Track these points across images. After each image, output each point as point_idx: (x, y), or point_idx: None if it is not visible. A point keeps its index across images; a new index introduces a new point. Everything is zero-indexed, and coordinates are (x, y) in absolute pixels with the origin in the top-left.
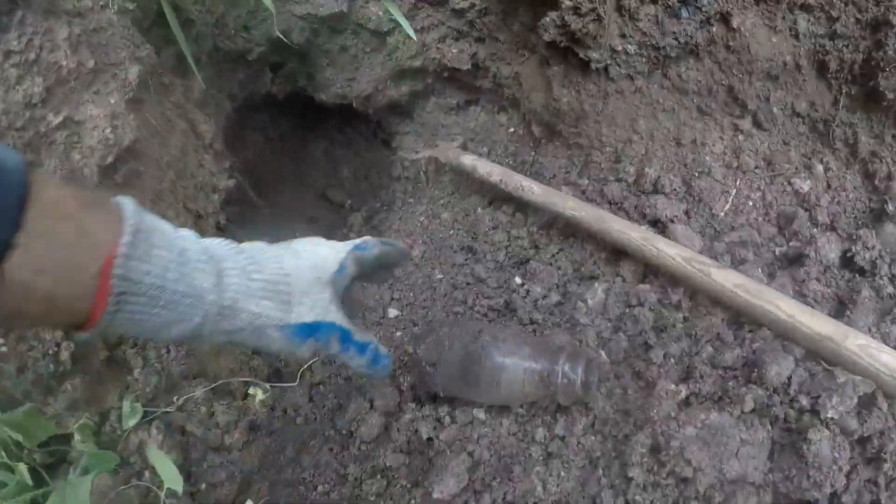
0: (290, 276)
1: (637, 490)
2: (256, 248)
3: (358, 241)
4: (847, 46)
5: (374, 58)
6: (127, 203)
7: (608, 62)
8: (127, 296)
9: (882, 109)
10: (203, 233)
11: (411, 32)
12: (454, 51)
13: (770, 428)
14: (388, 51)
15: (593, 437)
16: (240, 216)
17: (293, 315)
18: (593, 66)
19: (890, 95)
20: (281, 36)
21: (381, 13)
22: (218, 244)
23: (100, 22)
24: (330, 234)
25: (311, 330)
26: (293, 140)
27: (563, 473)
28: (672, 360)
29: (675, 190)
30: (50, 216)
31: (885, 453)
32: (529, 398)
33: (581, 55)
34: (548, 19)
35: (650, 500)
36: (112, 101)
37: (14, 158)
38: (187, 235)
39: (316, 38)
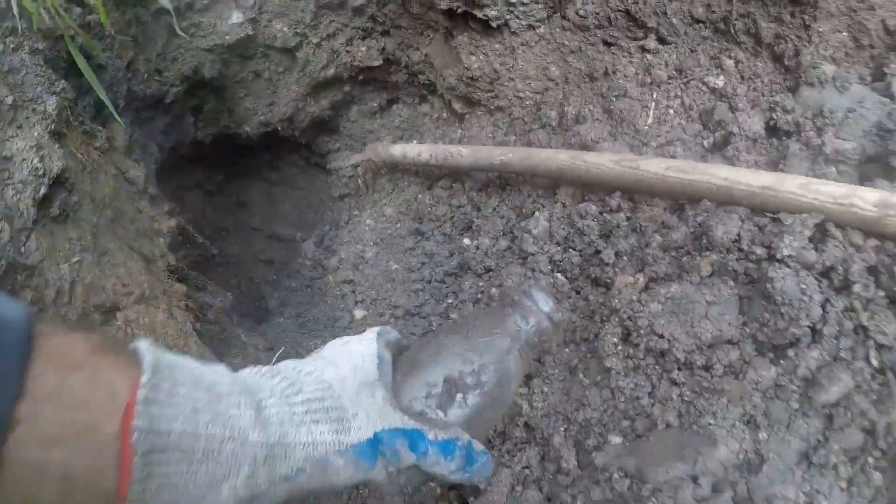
0: (334, 387)
1: (619, 377)
2: (290, 368)
3: (376, 328)
4: None
5: (288, 77)
6: (142, 343)
7: (507, 16)
8: (156, 454)
9: None
10: (155, 277)
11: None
12: (363, 49)
13: (732, 284)
14: (300, 66)
15: (567, 349)
16: (193, 263)
17: (352, 433)
18: (494, 24)
19: None
20: (194, 72)
21: (285, 28)
22: (248, 373)
23: (13, 63)
24: (286, 269)
25: (375, 444)
26: (231, 190)
27: (545, 389)
28: (624, 257)
29: (596, 119)
30: (57, 369)
31: (852, 278)
32: (525, 371)
33: (480, 16)
34: None
35: (634, 383)
36: (35, 134)
37: (15, 310)
38: (217, 369)
39: (228, 70)
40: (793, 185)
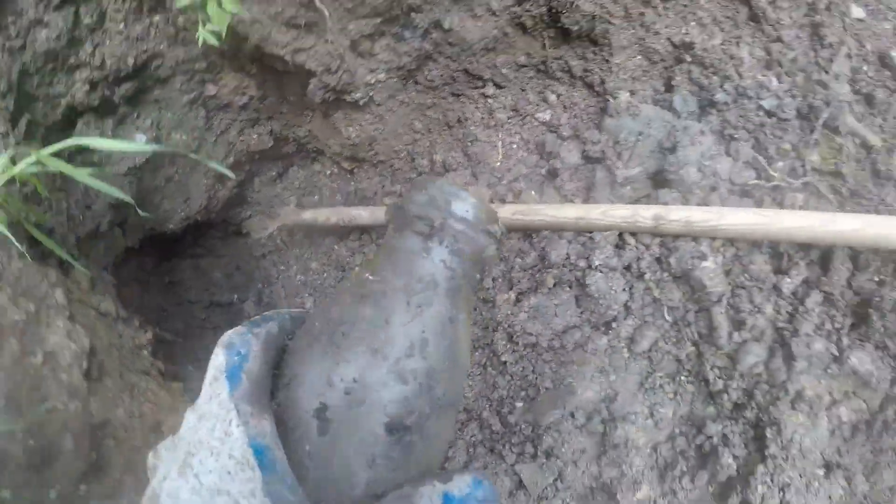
0: None
1: (511, 365)
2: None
3: (229, 336)
4: (532, 5)
5: (195, 174)
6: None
7: (371, 94)
8: None
9: (575, 38)
10: (149, 382)
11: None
12: (255, 136)
13: (568, 289)
14: (203, 163)
15: (477, 353)
16: (163, 358)
17: None
18: (361, 102)
19: (574, 28)
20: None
21: (184, 136)
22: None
23: (12, 272)
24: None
25: None
26: (162, 272)
27: (471, 383)
28: (498, 280)
29: (459, 162)
30: None
31: (643, 268)
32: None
33: (348, 99)
34: (311, 86)
35: (521, 367)
36: (61, 325)
37: None
38: None
39: (143, 184)
40: (596, 213)
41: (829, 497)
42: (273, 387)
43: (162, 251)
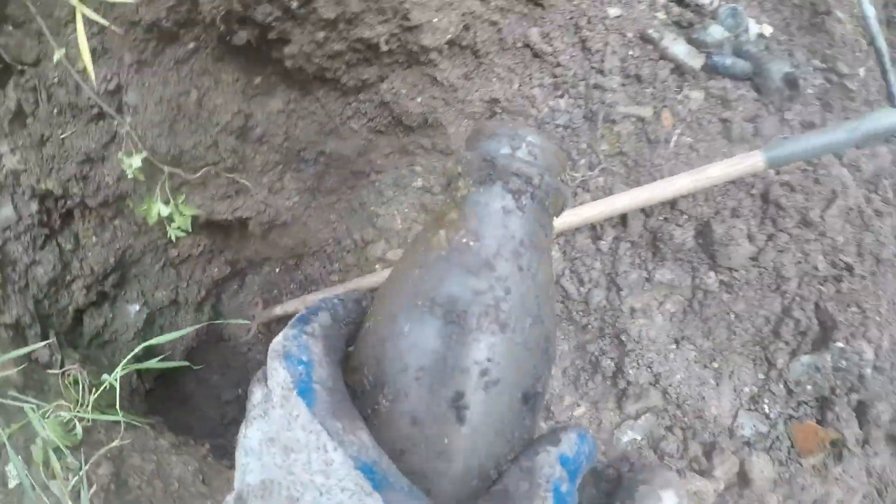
0: None
1: None
2: None
3: (287, 338)
4: (380, 118)
5: (186, 316)
6: None
7: (292, 213)
8: None
9: (417, 128)
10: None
11: None
12: (215, 269)
13: None
14: (185, 312)
15: None
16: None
17: None
18: (287, 221)
19: (413, 124)
20: None
21: (164, 298)
22: None
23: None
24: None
25: None
26: (174, 396)
27: None
28: None
29: (372, 235)
30: None
31: None
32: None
33: (278, 223)
34: (250, 227)
35: None
36: None
37: None
38: None
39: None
40: None
41: (686, 358)
42: (350, 380)
43: (167, 378)
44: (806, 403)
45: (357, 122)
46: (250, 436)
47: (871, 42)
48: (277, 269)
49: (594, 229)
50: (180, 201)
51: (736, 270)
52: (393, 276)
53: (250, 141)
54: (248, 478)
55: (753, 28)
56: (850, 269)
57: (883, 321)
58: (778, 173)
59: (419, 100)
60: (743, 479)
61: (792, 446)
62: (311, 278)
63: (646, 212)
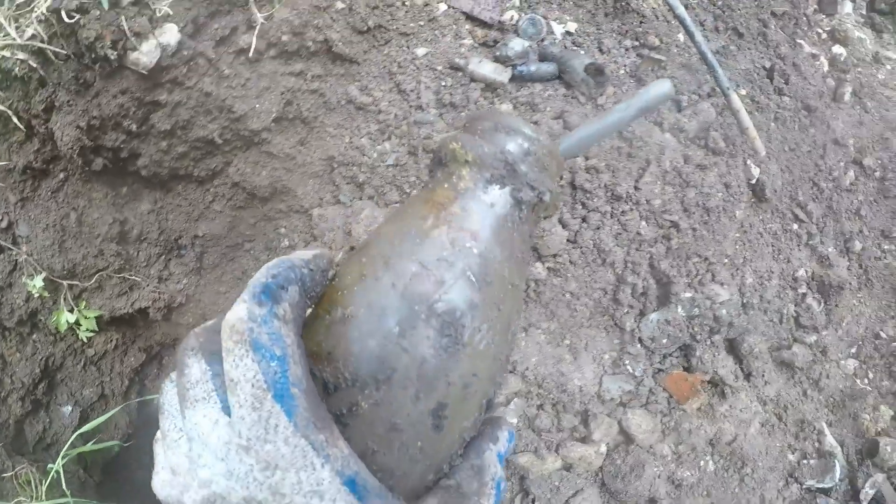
0: None
1: None
2: None
3: (246, 305)
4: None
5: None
6: None
7: (186, 294)
8: None
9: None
10: None
11: None
12: (132, 358)
13: None
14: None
15: None
16: None
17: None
18: (183, 301)
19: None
20: None
21: (91, 389)
22: None
23: None
24: None
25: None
26: None
27: None
28: None
29: None
30: None
31: None
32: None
33: (175, 305)
34: (150, 315)
35: None
36: None
37: None
38: None
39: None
40: None
41: (537, 342)
42: (316, 368)
43: (114, 470)
44: (670, 355)
45: (219, 203)
46: (198, 422)
47: (672, 11)
48: None
49: None
50: (83, 307)
51: (559, 255)
52: (381, 259)
53: (130, 241)
54: (216, 487)
55: (558, 29)
56: (676, 226)
57: (736, 262)
58: (587, 159)
59: (264, 174)
60: (626, 437)
61: (671, 396)
62: None
63: None
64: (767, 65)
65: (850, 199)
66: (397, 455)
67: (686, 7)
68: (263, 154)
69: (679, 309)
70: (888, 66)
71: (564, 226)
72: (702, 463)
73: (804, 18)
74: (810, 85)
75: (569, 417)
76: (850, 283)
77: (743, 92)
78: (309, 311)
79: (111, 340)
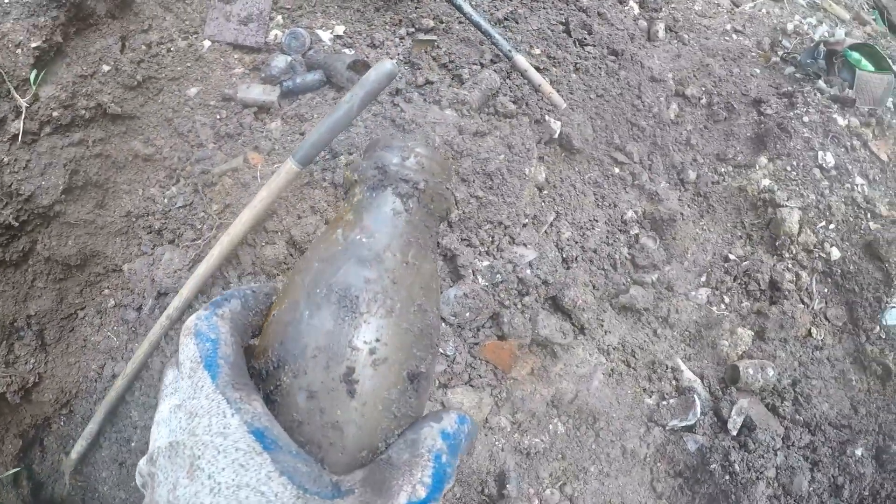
0: None
1: None
2: None
3: (197, 320)
4: None
5: None
6: None
7: None
8: None
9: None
10: None
11: None
12: (10, 447)
13: None
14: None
15: None
16: None
17: None
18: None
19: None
20: None
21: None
22: None
23: None
24: None
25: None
26: None
27: None
28: None
29: None
30: None
31: None
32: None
33: None
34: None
35: None
36: None
37: None
38: None
39: None
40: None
41: None
42: (256, 362)
43: None
44: (482, 327)
45: (40, 281)
46: (161, 409)
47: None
48: (62, 420)
49: (223, 276)
50: None
51: None
52: (296, 270)
53: None
54: (158, 442)
55: (325, 36)
56: (456, 201)
57: (543, 219)
58: (350, 154)
59: (70, 243)
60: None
61: (496, 368)
62: (86, 416)
63: (249, 242)
64: (563, 20)
65: (676, 131)
66: (320, 424)
67: None
68: (64, 225)
69: (480, 278)
70: None
71: None
72: (550, 426)
73: None
74: (618, 30)
75: None
76: (682, 214)
77: (538, 51)
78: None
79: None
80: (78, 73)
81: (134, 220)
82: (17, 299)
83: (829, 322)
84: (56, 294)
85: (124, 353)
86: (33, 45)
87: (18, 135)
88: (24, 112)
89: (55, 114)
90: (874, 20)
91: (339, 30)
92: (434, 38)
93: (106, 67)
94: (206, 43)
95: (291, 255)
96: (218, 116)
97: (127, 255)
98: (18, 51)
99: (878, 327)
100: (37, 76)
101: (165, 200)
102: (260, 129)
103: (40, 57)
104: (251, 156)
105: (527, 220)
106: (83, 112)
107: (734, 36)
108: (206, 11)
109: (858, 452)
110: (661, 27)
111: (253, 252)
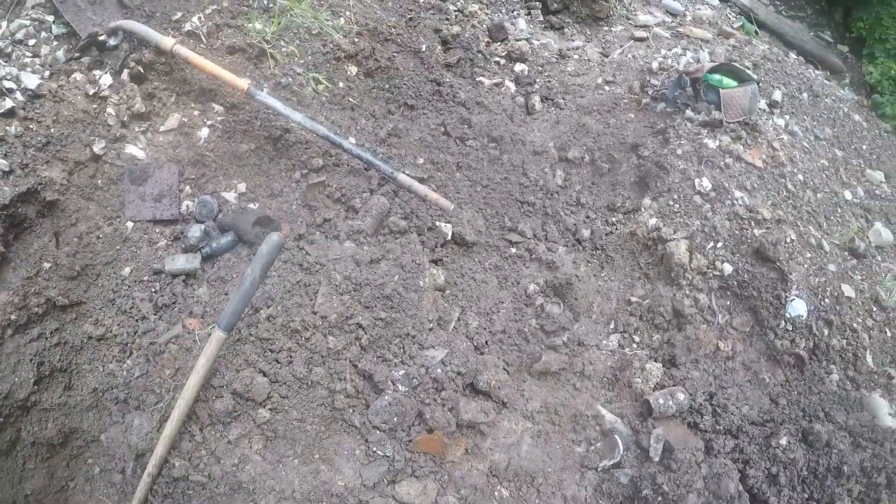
0: None
1: None
2: None
3: None
4: None
5: None
6: None
7: None
8: None
9: None
10: None
11: None
12: None
13: None
14: None
15: None
16: None
17: None
18: None
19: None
20: None
21: None
22: None
23: None
24: None
25: None
26: None
27: None
28: None
29: None
30: None
31: None
32: None
33: None
34: None
35: None
36: None
37: None
38: None
39: None
40: None
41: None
42: None
43: None
44: (412, 425)
45: (31, 462)
46: None
47: (315, 133)
48: None
49: (188, 431)
50: None
51: (271, 397)
52: None
53: None
54: None
55: (230, 196)
56: (361, 326)
57: (447, 318)
58: (257, 311)
59: (50, 426)
60: None
61: (434, 457)
62: None
63: (202, 398)
64: (440, 121)
65: (566, 194)
66: None
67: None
68: (41, 411)
69: (400, 386)
70: (575, 56)
71: (264, 374)
72: (495, 494)
73: (479, 56)
74: (496, 115)
75: None
76: (577, 276)
77: (421, 160)
78: None
79: None
80: (24, 276)
81: (101, 394)
82: (12, 482)
83: (737, 330)
84: (46, 471)
85: None
86: None
87: None
88: None
89: (13, 317)
90: (741, 27)
91: (241, 187)
92: (324, 178)
93: (47, 265)
94: (129, 224)
95: (238, 404)
96: (153, 289)
97: (101, 425)
98: None
99: (782, 322)
100: None
101: (124, 373)
102: (191, 294)
103: None
104: (188, 321)
105: (431, 325)
106: (36, 309)
107: (607, 88)
108: (122, 195)
109: (784, 441)
110: (536, 100)
111: (207, 406)
